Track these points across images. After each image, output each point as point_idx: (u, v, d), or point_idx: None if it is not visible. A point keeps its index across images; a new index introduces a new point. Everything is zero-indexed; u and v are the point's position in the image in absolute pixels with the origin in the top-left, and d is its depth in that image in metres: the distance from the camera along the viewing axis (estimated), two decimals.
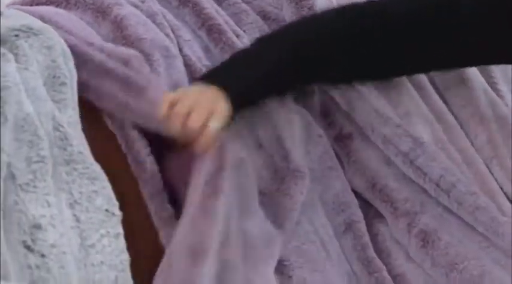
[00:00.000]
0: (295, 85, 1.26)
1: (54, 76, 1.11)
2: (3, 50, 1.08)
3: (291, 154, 1.21)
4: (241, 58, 1.23)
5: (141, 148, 1.13)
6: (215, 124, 1.13)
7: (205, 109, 1.13)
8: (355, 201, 1.23)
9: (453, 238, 1.19)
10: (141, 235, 1.09)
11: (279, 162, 1.21)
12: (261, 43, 1.24)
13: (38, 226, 0.98)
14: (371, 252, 1.19)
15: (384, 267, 1.19)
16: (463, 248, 1.18)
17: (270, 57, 1.22)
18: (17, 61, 1.08)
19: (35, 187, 1.00)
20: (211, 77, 1.20)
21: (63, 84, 1.11)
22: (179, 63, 1.23)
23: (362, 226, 1.22)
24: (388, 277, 1.18)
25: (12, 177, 0.99)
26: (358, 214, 1.23)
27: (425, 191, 1.22)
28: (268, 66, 1.22)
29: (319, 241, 1.19)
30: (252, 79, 1.22)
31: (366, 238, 1.20)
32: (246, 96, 1.20)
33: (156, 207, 1.12)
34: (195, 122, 1.12)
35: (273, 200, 1.19)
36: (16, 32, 1.12)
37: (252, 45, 1.24)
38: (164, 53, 1.21)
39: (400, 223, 1.20)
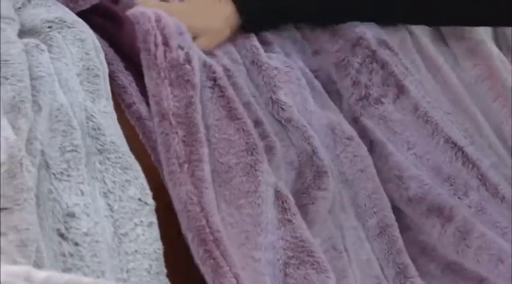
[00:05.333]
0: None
1: (88, 68, 1.09)
2: (37, 41, 1.06)
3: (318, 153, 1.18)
4: None
5: None
6: None
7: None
8: (388, 204, 1.19)
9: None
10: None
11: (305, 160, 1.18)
12: None
13: (71, 215, 0.96)
14: (405, 257, 1.15)
15: (417, 273, 1.15)
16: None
17: None
18: (50, 52, 1.07)
19: (68, 176, 0.98)
20: None
21: (96, 76, 1.10)
22: None
23: (395, 229, 1.18)
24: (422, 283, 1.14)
25: (46, 165, 0.97)
26: (391, 217, 1.18)
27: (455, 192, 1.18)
28: None
29: (343, 245, 1.15)
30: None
31: (400, 242, 1.16)
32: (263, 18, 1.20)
33: None
34: None
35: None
36: (49, 24, 1.11)
37: None
38: None
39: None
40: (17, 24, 1.07)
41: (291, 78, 1.20)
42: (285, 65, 1.21)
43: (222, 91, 1.10)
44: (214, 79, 1.11)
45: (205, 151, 1.05)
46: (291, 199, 1.08)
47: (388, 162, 1.19)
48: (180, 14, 1.18)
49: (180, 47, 1.10)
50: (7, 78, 0.98)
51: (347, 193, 1.17)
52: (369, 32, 1.24)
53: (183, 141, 1.05)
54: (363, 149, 1.20)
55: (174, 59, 1.09)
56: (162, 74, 1.08)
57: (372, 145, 1.22)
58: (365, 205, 1.17)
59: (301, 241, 1.06)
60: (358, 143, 1.21)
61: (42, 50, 1.05)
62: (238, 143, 1.07)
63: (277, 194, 1.07)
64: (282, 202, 1.07)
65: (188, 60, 1.10)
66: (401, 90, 1.21)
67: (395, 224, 1.17)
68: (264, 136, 1.11)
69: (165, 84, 1.08)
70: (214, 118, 1.09)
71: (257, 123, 1.12)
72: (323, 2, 1.23)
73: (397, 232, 1.16)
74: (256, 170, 1.05)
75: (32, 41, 1.06)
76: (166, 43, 1.10)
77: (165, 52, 1.10)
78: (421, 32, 1.31)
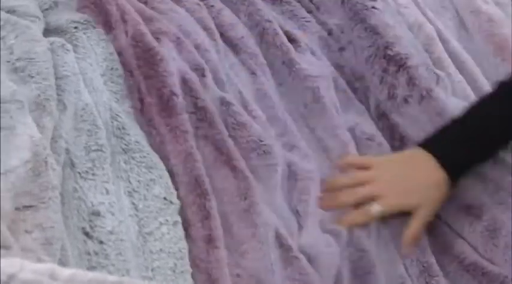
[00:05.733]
0: None
1: (112, 68, 1.10)
2: (62, 40, 1.06)
3: None
4: (459, 125, 1.14)
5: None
6: (375, 208, 1.10)
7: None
8: None
9: None
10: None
11: None
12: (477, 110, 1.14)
13: (96, 213, 0.95)
14: (430, 256, 1.13)
15: (441, 272, 1.13)
16: None
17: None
18: (75, 52, 1.07)
19: (93, 175, 0.98)
20: (428, 143, 1.13)
21: (120, 76, 1.10)
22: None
23: None
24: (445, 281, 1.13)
25: (71, 164, 0.97)
26: None
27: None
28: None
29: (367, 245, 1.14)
30: (475, 146, 1.12)
31: (426, 241, 1.14)
32: (466, 163, 1.12)
33: None
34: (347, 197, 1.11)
35: None
36: (75, 24, 1.11)
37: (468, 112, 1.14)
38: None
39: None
40: (43, 23, 1.07)
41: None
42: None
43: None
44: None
45: (213, 204, 1.03)
46: (291, 239, 1.07)
47: None
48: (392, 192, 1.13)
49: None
50: (32, 76, 0.98)
51: None
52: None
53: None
54: (386, 148, 1.19)
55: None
56: None
57: (402, 141, 1.21)
58: None
59: (308, 279, 1.05)
60: (379, 143, 1.20)
61: (67, 50, 1.06)
62: (230, 190, 1.06)
63: (277, 234, 1.06)
64: (283, 243, 1.06)
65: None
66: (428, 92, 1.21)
67: None
68: None
69: None
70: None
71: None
72: None
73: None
74: (252, 213, 1.04)
75: (57, 40, 1.06)
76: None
77: None
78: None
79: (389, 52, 1.23)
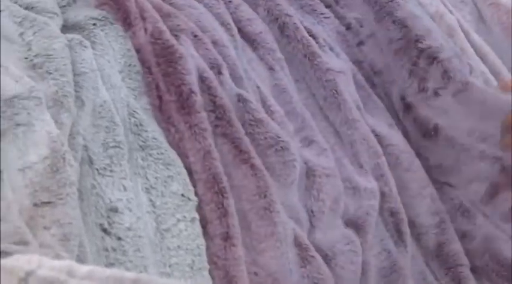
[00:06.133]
0: None
1: (129, 65, 1.09)
2: (80, 37, 1.06)
3: None
4: None
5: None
6: None
7: None
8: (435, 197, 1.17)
9: None
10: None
11: None
12: None
13: (114, 210, 0.95)
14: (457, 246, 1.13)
15: (465, 264, 1.12)
16: None
17: None
18: (93, 48, 1.07)
19: (111, 171, 0.97)
20: None
21: (137, 72, 1.09)
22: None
23: (447, 225, 1.15)
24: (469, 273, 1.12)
25: (89, 161, 0.97)
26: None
27: None
28: None
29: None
30: None
31: (452, 233, 1.14)
32: None
33: None
34: None
35: None
36: (94, 21, 1.11)
37: None
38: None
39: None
40: (60, 19, 1.07)
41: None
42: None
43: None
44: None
45: (231, 202, 1.03)
46: (308, 241, 1.07)
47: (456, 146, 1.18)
48: None
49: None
50: (50, 73, 0.97)
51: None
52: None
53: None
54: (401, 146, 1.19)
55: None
56: None
57: (436, 131, 1.20)
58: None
59: (324, 278, 1.04)
60: (399, 149, 1.19)
61: (85, 47, 1.05)
62: (249, 188, 1.05)
63: (295, 233, 1.05)
64: (300, 242, 1.05)
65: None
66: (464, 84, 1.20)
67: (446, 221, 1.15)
68: None
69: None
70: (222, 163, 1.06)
71: None
72: None
73: (447, 230, 1.14)
74: (271, 212, 1.04)
75: (76, 37, 1.06)
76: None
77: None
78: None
79: (420, 45, 1.22)
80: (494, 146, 1.17)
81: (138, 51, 1.10)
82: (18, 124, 0.91)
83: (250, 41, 1.22)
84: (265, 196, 1.04)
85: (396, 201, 1.15)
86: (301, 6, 1.29)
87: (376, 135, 1.19)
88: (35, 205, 0.87)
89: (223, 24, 1.20)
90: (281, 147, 1.09)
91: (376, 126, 1.20)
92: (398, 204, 1.15)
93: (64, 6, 1.12)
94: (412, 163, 1.18)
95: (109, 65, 1.07)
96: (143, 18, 1.12)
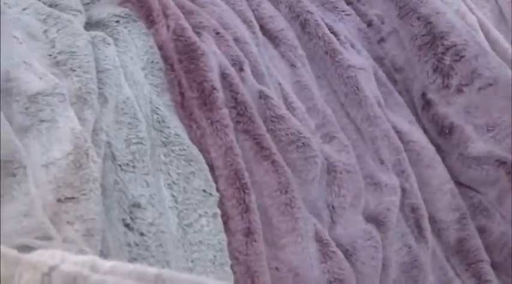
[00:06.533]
0: None
1: (152, 62, 1.09)
2: (104, 34, 1.07)
3: None
4: None
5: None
6: None
7: None
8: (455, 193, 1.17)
9: None
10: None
11: None
12: None
13: (137, 205, 0.95)
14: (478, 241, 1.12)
15: (485, 262, 1.12)
16: None
17: None
18: (116, 45, 1.07)
19: (134, 167, 0.98)
20: None
21: (160, 69, 1.09)
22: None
23: (467, 221, 1.15)
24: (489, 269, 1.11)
25: (112, 157, 0.97)
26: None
27: None
28: None
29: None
30: None
31: (472, 229, 1.13)
32: None
33: None
34: None
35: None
36: (116, 18, 1.11)
37: None
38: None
39: None
40: (84, 17, 1.07)
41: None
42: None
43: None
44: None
45: (252, 198, 1.03)
46: (329, 237, 1.06)
47: (468, 148, 1.17)
48: None
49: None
50: (73, 70, 0.98)
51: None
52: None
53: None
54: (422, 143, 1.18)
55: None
56: None
57: (451, 129, 1.20)
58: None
59: (345, 274, 1.04)
60: (420, 145, 1.18)
61: (108, 43, 1.05)
62: (270, 184, 1.05)
63: (316, 228, 1.05)
64: (321, 237, 1.05)
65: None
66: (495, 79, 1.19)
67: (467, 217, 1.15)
68: None
69: None
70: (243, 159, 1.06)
71: None
72: None
73: (467, 225, 1.13)
74: (292, 207, 1.04)
75: (99, 34, 1.06)
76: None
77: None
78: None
79: (445, 42, 1.21)
80: (503, 149, 1.16)
81: (160, 48, 1.10)
82: (42, 121, 0.91)
83: (272, 38, 1.22)
84: (286, 192, 1.04)
85: (417, 197, 1.14)
86: (323, 4, 1.29)
87: (397, 132, 1.18)
88: (59, 200, 0.87)
89: (245, 21, 1.20)
90: (302, 143, 1.09)
91: (397, 122, 1.20)
92: (419, 199, 1.15)
93: (87, 3, 1.12)
94: (432, 160, 1.18)
95: (132, 61, 1.07)
96: (166, 16, 1.12)
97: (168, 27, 1.11)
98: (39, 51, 0.99)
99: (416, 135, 1.20)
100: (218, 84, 1.07)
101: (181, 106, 1.07)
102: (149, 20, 1.12)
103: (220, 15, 1.18)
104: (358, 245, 1.06)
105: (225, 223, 1.00)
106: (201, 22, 1.13)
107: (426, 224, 1.14)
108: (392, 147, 1.16)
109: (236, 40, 1.15)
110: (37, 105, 0.92)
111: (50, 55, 0.99)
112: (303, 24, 1.23)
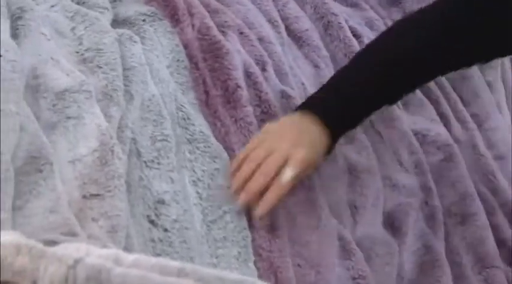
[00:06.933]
0: (400, 93, 1.11)
1: (178, 60, 1.10)
2: (130, 33, 1.07)
3: None
4: (339, 79, 1.08)
5: None
6: (287, 174, 0.99)
7: (276, 160, 0.98)
8: (472, 191, 1.16)
9: None
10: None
11: None
12: (359, 61, 1.09)
13: (161, 202, 0.95)
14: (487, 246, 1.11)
15: (498, 264, 1.11)
16: None
17: (372, 73, 1.05)
18: (143, 44, 1.07)
19: (159, 164, 0.98)
20: (308, 105, 1.05)
21: (185, 67, 1.10)
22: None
23: (477, 218, 1.14)
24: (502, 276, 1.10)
25: (137, 154, 0.97)
26: (476, 205, 1.15)
27: None
28: (371, 82, 1.05)
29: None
30: (356, 99, 1.05)
31: (487, 231, 1.12)
32: (350, 119, 1.06)
33: None
34: (256, 184, 0.98)
35: None
36: (143, 17, 1.11)
37: (348, 64, 1.09)
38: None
39: None
40: (111, 14, 1.07)
41: None
42: None
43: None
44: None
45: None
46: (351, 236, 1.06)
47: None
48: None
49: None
50: (100, 67, 0.98)
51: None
52: None
53: None
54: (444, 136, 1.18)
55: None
56: None
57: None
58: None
59: (365, 272, 1.04)
60: (441, 144, 1.18)
61: (135, 41, 1.06)
62: None
63: (338, 226, 1.05)
64: (343, 235, 1.04)
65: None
66: None
67: (479, 213, 1.13)
68: None
69: None
70: None
71: None
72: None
73: (479, 221, 1.12)
74: (316, 205, 1.03)
75: (126, 32, 1.06)
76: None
77: None
78: None
79: None
80: None
81: (185, 47, 1.10)
82: (68, 117, 0.92)
83: (296, 38, 1.22)
84: (309, 190, 1.03)
85: (436, 197, 1.14)
86: (349, 5, 1.29)
87: (417, 132, 1.18)
88: (84, 197, 0.87)
89: (271, 21, 1.20)
90: None
91: (417, 122, 1.19)
92: (439, 199, 1.14)
93: (114, 1, 1.13)
94: (455, 156, 1.17)
95: (157, 59, 1.07)
96: (191, 14, 1.12)
97: (193, 26, 1.11)
98: (67, 48, 0.99)
99: (437, 134, 1.19)
100: (242, 82, 1.07)
101: (206, 105, 1.07)
102: (174, 19, 1.12)
103: (246, 14, 1.18)
104: (373, 253, 1.06)
105: (249, 219, 1.00)
106: (226, 21, 1.14)
107: (444, 225, 1.13)
108: (411, 147, 1.16)
109: (260, 39, 1.15)
110: (64, 101, 0.92)
111: (77, 52, 0.99)
112: (326, 26, 1.23)
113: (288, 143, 1.00)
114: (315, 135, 1.02)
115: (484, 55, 1.08)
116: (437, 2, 1.07)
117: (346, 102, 1.04)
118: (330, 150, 1.04)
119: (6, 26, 0.93)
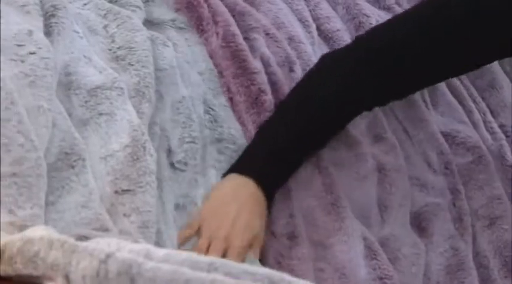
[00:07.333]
0: (334, 132, 1.08)
1: (210, 69, 1.09)
2: (163, 37, 1.07)
3: None
4: (267, 135, 1.04)
5: None
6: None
7: (217, 250, 0.95)
8: (502, 193, 1.15)
9: None
10: None
11: None
12: (284, 111, 1.05)
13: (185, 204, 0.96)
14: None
15: None
16: None
17: (298, 124, 1.03)
18: (175, 51, 1.07)
19: (186, 164, 0.98)
20: (240, 169, 1.01)
21: (216, 76, 1.09)
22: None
23: (505, 221, 1.13)
24: None
25: (168, 153, 0.98)
26: (503, 208, 1.14)
27: None
28: (305, 127, 1.03)
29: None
30: (286, 152, 1.02)
31: (509, 234, 1.11)
32: (284, 173, 1.03)
33: None
34: None
35: None
36: (175, 25, 1.12)
37: (274, 113, 1.05)
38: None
39: None
40: (143, 13, 1.07)
41: None
42: None
43: None
44: None
45: (296, 202, 1.01)
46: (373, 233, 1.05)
47: None
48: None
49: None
50: (132, 64, 0.98)
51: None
52: None
53: None
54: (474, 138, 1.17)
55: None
56: None
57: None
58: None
59: (390, 272, 1.03)
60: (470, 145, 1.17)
61: (167, 46, 1.06)
62: (316, 185, 1.04)
63: (362, 227, 1.04)
64: (367, 236, 1.03)
65: None
66: None
67: (506, 216, 1.12)
68: None
69: None
70: None
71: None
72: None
73: (506, 225, 1.11)
74: (338, 207, 1.02)
75: (160, 36, 1.06)
76: None
77: None
78: None
79: None
80: None
81: (211, 56, 1.10)
82: (101, 114, 0.92)
83: (327, 38, 1.21)
84: (331, 192, 1.03)
85: (464, 199, 1.13)
86: (381, 7, 1.29)
87: (446, 133, 1.17)
88: (116, 192, 0.88)
89: (301, 20, 1.20)
90: (352, 142, 1.08)
91: (446, 123, 1.18)
92: (467, 201, 1.13)
93: (147, 1, 1.13)
94: (484, 158, 1.16)
95: (188, 65, 1.07)
96: (215, 23, 1.12)
97: (217, 34, 1.11)
98: (99, 45, 1.00)
99: (465, 135, 1.18)
100: (266, 86, 1.07)
101: (233, 111, 1.07)
102: (200, 29, 1.12)
103: (277, 13, 1.17)
104: (400, 254, 1.05)
105: (267, 226, 0.99)
106: (250, 24, 1.13)
107: (472, 227, 1.12)
108: (439, 148, 1.15)
109: (290, 39, 1.15)
110: (96, 98, 0.93)
111: (110, 49, 1.00)
112: (357, 27, 1.22)
113: (225, 230, 0.96)
114: (252, 204, 0.98)
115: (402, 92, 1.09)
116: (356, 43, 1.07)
117: (278, 160, 1.02)
118: (269, 207, 1.00)
119: (40, 23, 0.94)
